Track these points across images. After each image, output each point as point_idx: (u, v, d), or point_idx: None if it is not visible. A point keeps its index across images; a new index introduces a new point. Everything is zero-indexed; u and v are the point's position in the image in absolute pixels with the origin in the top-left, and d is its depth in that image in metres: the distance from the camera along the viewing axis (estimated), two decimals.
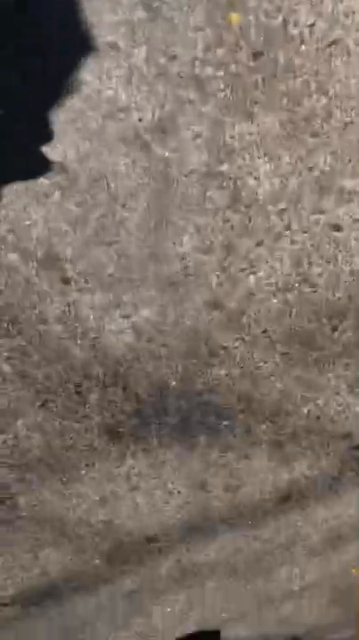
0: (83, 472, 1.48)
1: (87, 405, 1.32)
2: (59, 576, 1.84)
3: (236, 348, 1.27)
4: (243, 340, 1.27)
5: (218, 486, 1.66)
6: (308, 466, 1.68)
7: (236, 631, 2.54)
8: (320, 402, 1.48)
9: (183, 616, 2.31)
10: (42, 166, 1.05)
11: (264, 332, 1.26)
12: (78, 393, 1.28)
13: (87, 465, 1.47)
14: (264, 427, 1.49)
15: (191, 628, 2.43)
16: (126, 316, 1.17)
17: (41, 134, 0.98)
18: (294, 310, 1.24)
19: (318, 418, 1.54)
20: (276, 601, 2.38)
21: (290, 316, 1.25)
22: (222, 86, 0.97)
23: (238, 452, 1.57)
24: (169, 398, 1.39)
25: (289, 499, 1.80)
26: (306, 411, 1.49)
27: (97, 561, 1.84)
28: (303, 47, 0.96)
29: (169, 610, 2.25)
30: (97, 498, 1.58)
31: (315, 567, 2.22)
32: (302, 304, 1.22)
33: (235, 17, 1.06)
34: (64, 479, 1.48)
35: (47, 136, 1.02)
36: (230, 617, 2.43)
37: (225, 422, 1.47)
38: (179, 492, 1.64)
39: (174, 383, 1.32)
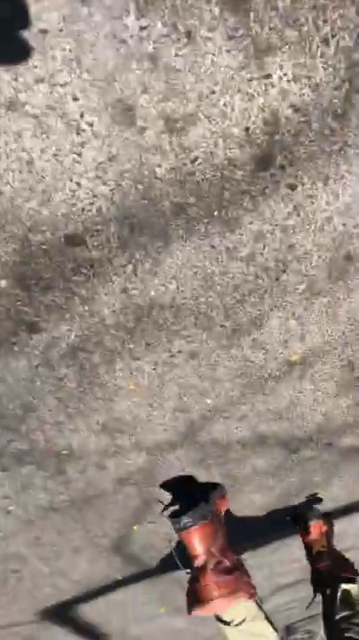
0: None
1: None
2: None
3: None
4: None
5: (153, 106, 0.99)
6: (293, 62, 0.99)
7: (228, 428, 1.99)
8: None
9: (155, 396, 1.74)
10: None
11: None
12: None
13: None
14: None
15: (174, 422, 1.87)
16: None
17: None
18: None
19: None
20: (270, 380, 1.79)
21: None
22: None
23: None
24: None
25: (269, 162, 1.13)
26: None
27: (2, 281, 1.24)
28: None
29: (132, 387, 1.69)
30: None
31: (318, 317, 1.60)
32: None
33: None
34: None
35: None
36: (216, 405, 1.87)
37: None
38: (89, 122, 0.98)
39: None
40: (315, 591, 2.45)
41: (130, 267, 1.26)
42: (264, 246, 1.29)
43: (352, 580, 2.41)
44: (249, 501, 2.45)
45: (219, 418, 1.88)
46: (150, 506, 2.30)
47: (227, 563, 1.93)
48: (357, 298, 1.51)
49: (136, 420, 1.77)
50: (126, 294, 1.33)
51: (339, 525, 2.95)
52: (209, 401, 1.79)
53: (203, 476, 2.17)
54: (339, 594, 2.37)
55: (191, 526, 1.93)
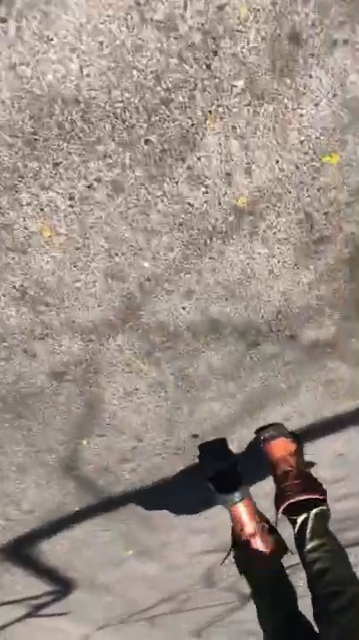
0: None
1: None
2: None
3: None
4: None
5: None
6: None
7: (173, 307, 1.69)
8: None
9: (79, 251, 1.45)
10: None
11: None
12: None
13: None
14: None
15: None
16: None
17: None
18: None
19: None
20: (216, 236, 1.50)
21: None
22: None
23: None
24: None
25: None
26: None
27: None
28: None
29: (48, 234, 1.38)
30: None
31: (264, 137, 1.30)
32: None
33: None
34: None
35: None
36: (155, 272, 1.57)
37: None
38: None
39: None
40: (278, 512, 2.16)
41: (12, 23, 0.96)
42: (184, 4, 1.00)
43: (321, 503, 2.14)
44: (209, 412, 2.17)
45: (162, 291, 1.59)
46: (96, 414, 2.01)
47: (267, 525, 2.03)
48: (309, 108, 1.22)
49: (61, 285, 1.48)
50: (15, 74, 1.02)
51: (312, 450, 2.68)
52: (146, 264, 1.50)
53: (152, 373, 1.88)
54: (309, 520, 2.10)
55: (241, 500, 2.00)
